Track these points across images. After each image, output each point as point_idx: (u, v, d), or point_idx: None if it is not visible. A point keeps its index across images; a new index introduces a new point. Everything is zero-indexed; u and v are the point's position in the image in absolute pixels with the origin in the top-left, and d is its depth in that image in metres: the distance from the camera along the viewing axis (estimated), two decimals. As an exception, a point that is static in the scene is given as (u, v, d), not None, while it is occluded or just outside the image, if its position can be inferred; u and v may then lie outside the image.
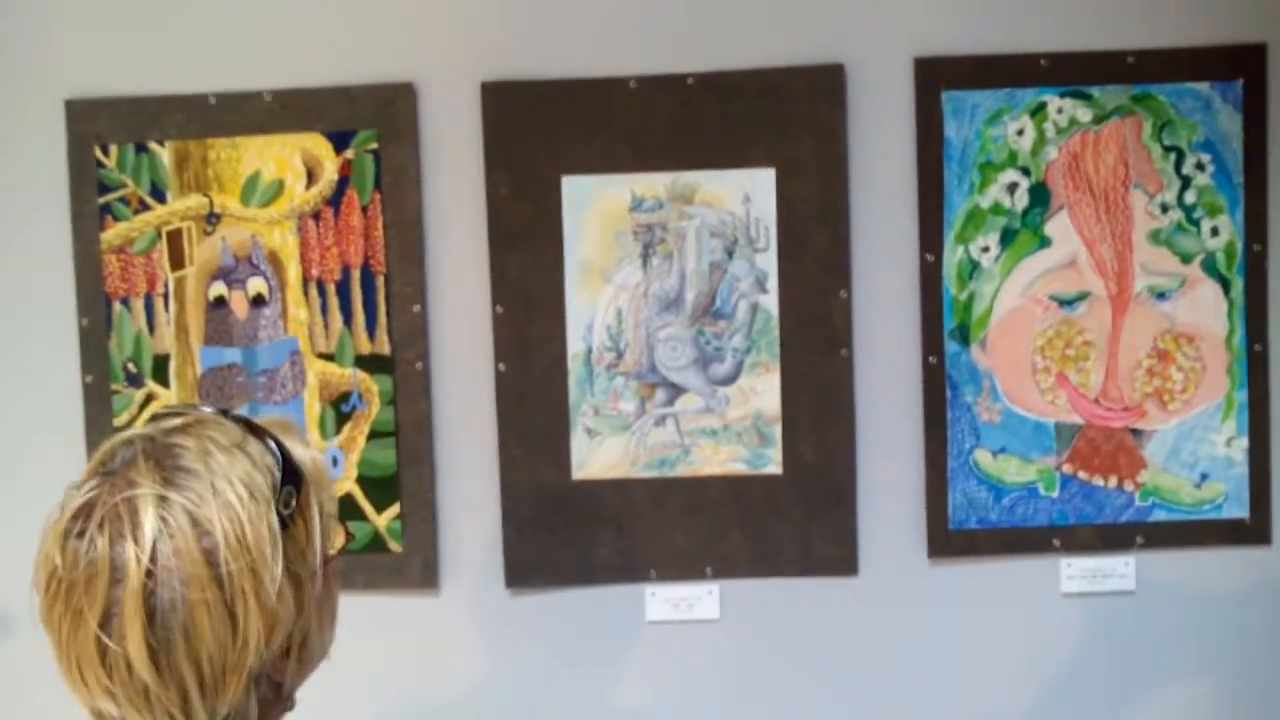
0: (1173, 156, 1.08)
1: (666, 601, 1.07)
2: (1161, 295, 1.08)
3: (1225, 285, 1.08)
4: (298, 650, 0.53)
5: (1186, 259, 1.08)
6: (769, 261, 1.08)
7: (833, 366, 1.07)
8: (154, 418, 0.54)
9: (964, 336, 1.07)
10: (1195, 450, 1.06)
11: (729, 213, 1.09)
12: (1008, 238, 1.08)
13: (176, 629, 0.46)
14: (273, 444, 0.52)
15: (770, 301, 1.08)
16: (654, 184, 1.09)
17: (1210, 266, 1.09)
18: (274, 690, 0.52)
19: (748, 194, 1.08)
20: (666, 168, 1.08)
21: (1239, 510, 1.07)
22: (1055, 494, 1.07)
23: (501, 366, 1.08)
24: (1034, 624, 1.08)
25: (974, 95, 1.07)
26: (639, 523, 1.08)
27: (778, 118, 1.07)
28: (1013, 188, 1.08)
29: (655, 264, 1.09)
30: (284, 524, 0.50)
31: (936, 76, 1.07)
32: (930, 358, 1.06)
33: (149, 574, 0.46)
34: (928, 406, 1.05)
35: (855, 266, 1.07)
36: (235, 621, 0.47)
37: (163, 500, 0.48)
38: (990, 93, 1.07)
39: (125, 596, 0.47)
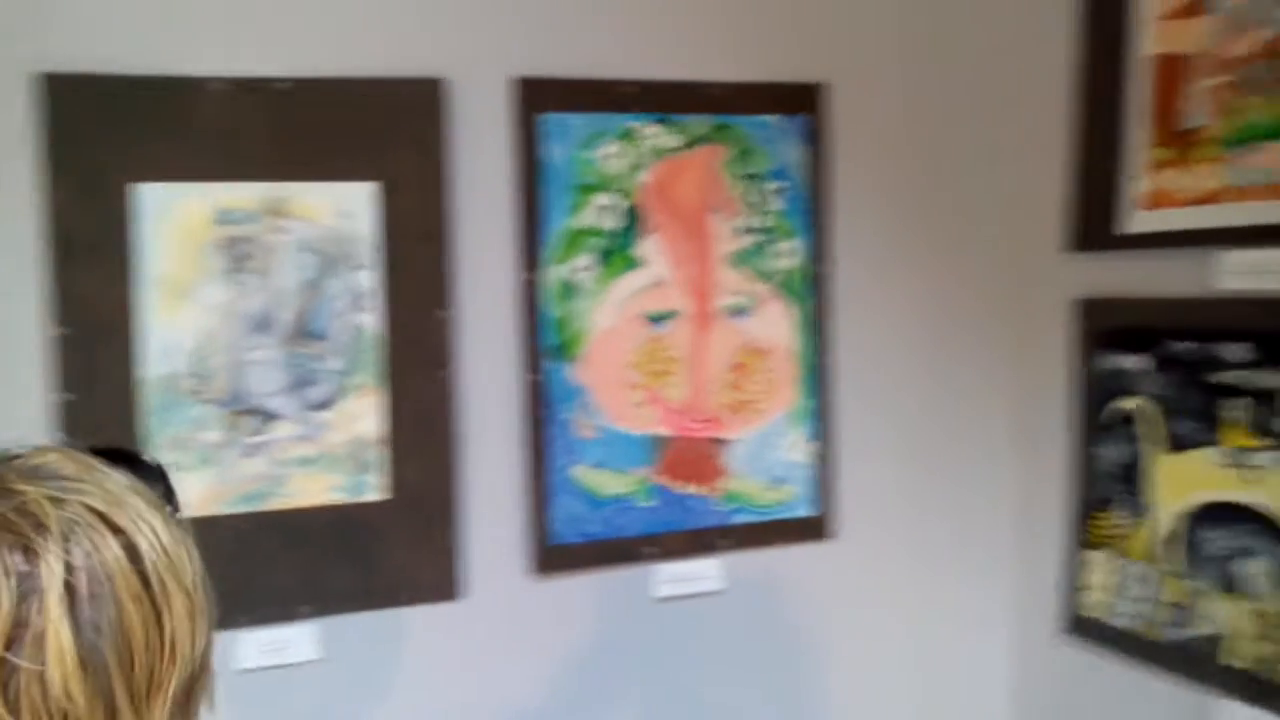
0: (750, 183, 1.92)
1: (259, 647, 1.60)
2: (739, 312, 1.92)
3: (795, 303, 1.96)
4: (199, 689, 0.76)
5: (761, 278, 1.92)
6: (369, 279, 1.73)
7: (433, 387, 1.74)
8: None
9: (562, 354, 1.75)
10: (770, 456, 1.86)
11: (326, 227, 1.71)
12: (603, 257, 1.83)
13: (106, 637, 0.66)
14: (152, 463, 0.78)
15: (370, 321, 1.72)
16: (243, 195, 1.66)
17: (782, 285, 1.96)
18: None
19: (347, 208, 1.72)
20: (257, 177, 1.64)
21: (808, 509, 1.91)
22: (649, 504, 1.81)
23: (66, 396, 1.61)
24: (631, 631, 1.79)
25: (570, 118, 1.82)
26: (227, 564, 1.57)
27: (378, 130, 1.70)
28: (607, 209, 1.85)
29: (244, 281, 1.68)
30: None
31: (534, 98, 1.79)
32: (530, 376, 1.80)
33: (69, 570, 0.65)
34: (528, 424, 1.72)
35: (456, 285, 1.75)
36: (162, 627, 0.69)
37: (58, 501, 0.67)
38: (586, 116, 1.82)
39: (46, 605, 0.64)
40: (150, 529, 0.71)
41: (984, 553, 2.04)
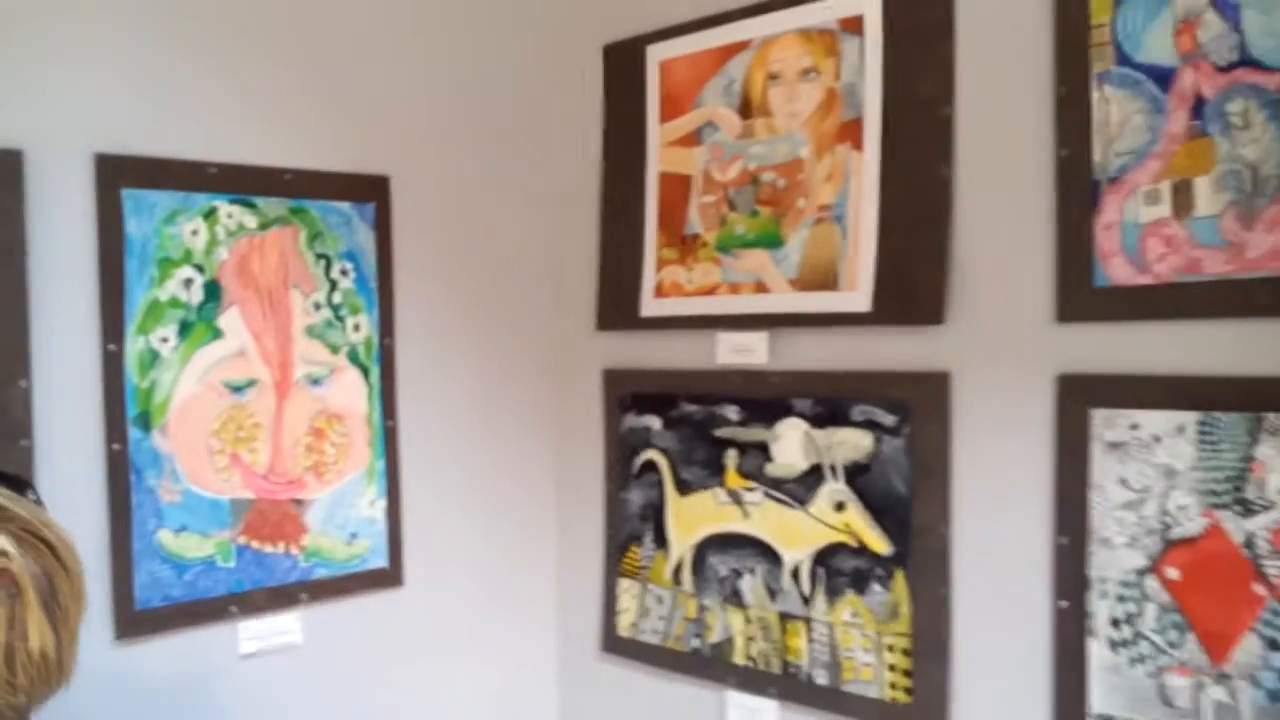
0: (323, 263, 2.10)
1: None
2: (316, 381, 2.08)
3: (365, 372, 2.16)
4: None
5: (335, 350, 2.11)
6: (-63, 350, 1.69)
7: (13, 458, 1.74)
8: None
9: (146, 423, 1.86)
10: (346, 513, 2.06)
11: (-114, 295, 1.66)
12: (185, 329, 1.92)
13: (55, 613, 1.07)
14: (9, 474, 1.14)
15: (-61, 393, 1.68)
16: None
17: (353, 356, 2.14)
18: None
19: (-91, 276, 1.67)
20: None
21: (381, 560, 2.15)
22: (232, 564, 1.95)
23: None
24: (217, 690, 1.91)
25: (153, 195, 1.88)
26: None
27: (-55, 198, 1.70)
28: (189, 283, 1.93)
29: None
30: None
31: (117, 174, 1.84)
32: (114, 445, 1.84)
33: (33, 578, 1.05)
34: (112, 493, 1.81)
35: (35, 355, 1.76)
36: (76, 591, 1.12)
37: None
38: (168, 193, 1.90)
39: (28, 604, 1.05)
40: (51, 529, 1.11)
41: (532, 588, 2.34)
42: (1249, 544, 1.45)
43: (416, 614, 2.15)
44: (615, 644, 2.24)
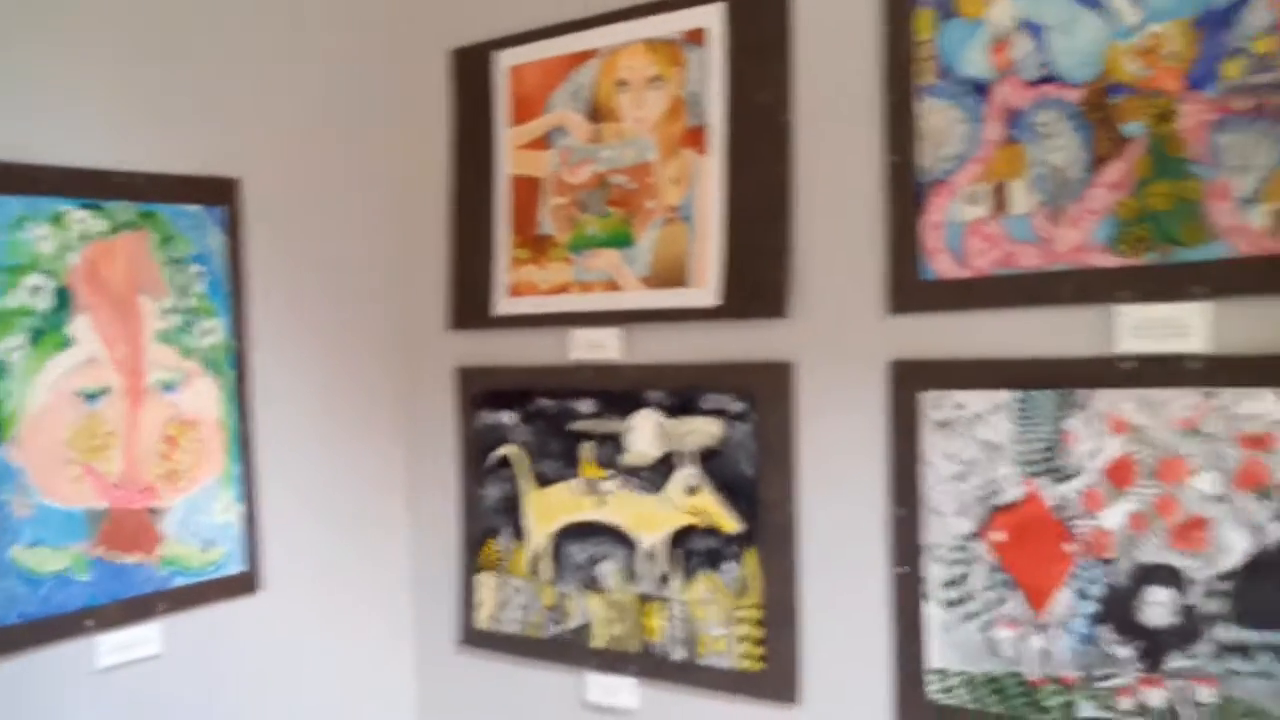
0: (174, 267, 2.09)
1: None
2: (169, 387, 2.07)
3: (218, 377, 2.16)
4: None
5: (187, 355, 2.09)
6: None
7: None
8: None
9: (-4, 435, 1.84)
10: (200, 520, 2.04)
11: None
12: (35, 337, 1.88)
13: None
14: None
15: None
16: None
17: (206, 361, 2.14)
18: None
19: None
20: None
21: (238, 566, 2.15)
22: (87, 577, 1.92)
23: None
24: (76, 706, 1.89)
25: (-3, 200, 1.86)
26: None
27: None
28: (37, 290, 1.90)
29: None
30: None
31: (-43, 178, 1.81)
32: (-38, 458, 1.79)
33: None
34: None
35: (-125, 367, 1.70)
36: None
37: None
38: (14, 198, 1.87)
39: None
40: None
41: (390, 586, 2.39)
42: (1061, 507, 1.64)
43: (275, 617, 2.16)
44: (473, 636, 2.31)
